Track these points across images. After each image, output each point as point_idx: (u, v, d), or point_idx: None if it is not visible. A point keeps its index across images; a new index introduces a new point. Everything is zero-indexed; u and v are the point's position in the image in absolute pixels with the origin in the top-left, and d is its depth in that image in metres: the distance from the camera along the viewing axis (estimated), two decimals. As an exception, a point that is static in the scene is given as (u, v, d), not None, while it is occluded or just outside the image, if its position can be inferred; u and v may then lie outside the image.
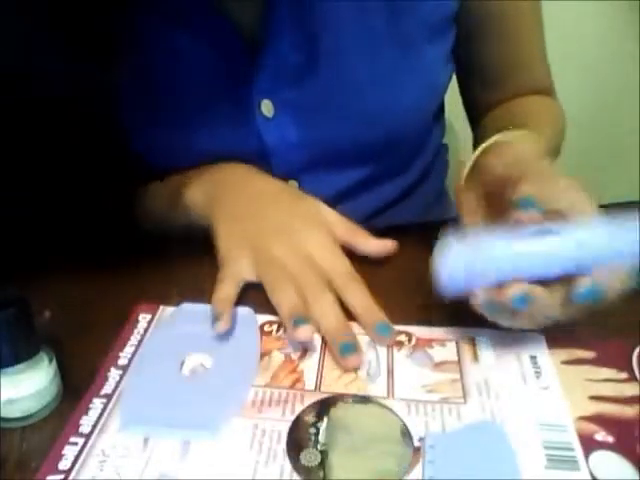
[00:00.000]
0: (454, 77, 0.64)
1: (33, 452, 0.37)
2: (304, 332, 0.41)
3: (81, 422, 0.38)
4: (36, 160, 0.54)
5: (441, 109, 0.68)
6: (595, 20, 1.37)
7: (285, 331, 0.44)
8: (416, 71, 0.54)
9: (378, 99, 0.54)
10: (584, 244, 0.37)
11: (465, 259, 0.38)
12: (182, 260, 0.51)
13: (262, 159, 0.55)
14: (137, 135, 0.55)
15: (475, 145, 0.63)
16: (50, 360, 0.39)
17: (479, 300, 0.38)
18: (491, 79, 0.63)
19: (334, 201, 0.53)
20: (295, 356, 0.42)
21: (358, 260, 0.50)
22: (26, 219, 0.53)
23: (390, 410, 0.38)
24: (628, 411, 0.38)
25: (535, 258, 0.38)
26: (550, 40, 0.64)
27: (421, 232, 0.52)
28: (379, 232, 0.52)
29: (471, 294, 0.38)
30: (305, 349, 0.43)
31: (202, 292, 0.47)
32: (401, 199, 0.65)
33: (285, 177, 0.56)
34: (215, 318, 0.43)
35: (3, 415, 0.38)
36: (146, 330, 0.45)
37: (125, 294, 0.48)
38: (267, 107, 0.54)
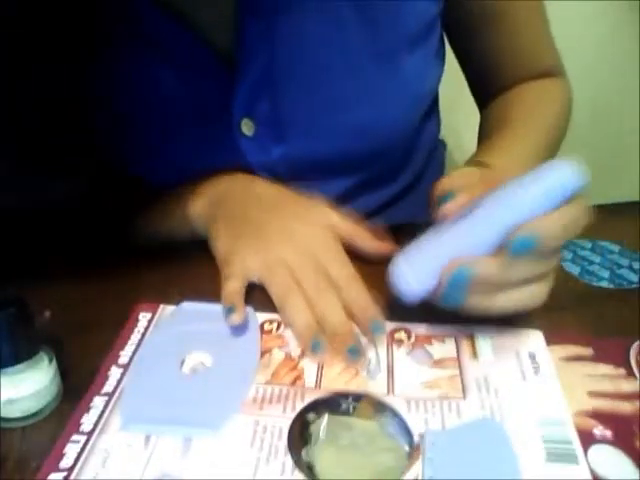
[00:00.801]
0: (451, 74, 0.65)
1: (33, 452, 0.37)
2: (322, 355, 0.42)
3: (82, 420, 0.38)
4: (34, 161, 0.54)
5: (434, 103, 0.68)
6: (595, 20, 1.36)
7: (282, 328, 0.45)
8: (399, 83, 0.54)
9: (360, 115, 0.54)
10: (502, 207, 0.38)
11: (412, 271, 0.41)
12: (182, 260, 0.51)
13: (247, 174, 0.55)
14: (127, 157, 0.56)
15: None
16: (50, 360, 0.39)
17: (437, 299, 0.40)
18: (490, 72, 0.64)
19: None
20: (295, 354, 0.43)
21: (359, 259, 0.50)
22: (27, 219, 0.53)
23: (390, 407, 0.38)
24: (626, 406, 0.38)
25: (467, 239, 0.39)
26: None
27: (420, 232, 0.52)
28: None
29: (431, 296, 0.40)
30: (305, 347, 0.43)
31: (203, 292, 0.47)
32: (394, 202, 0.64)
33: None
34: (228, 311, 0.44)
35: (3, 415, 0.38)
36: (147, 329, 0.45)
37: (125, 294, 0.48)
38: (247, 126, 0.53)
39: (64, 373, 0.40)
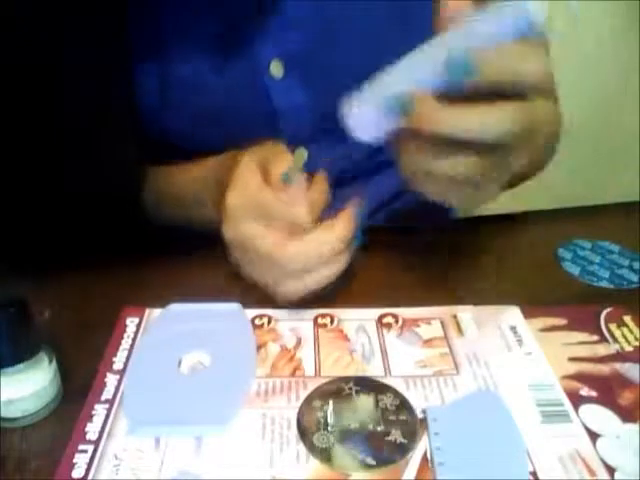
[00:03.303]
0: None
1: (33, 452, 0.36)
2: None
3: (87, 429, 0.37)
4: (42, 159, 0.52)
5: None
6: (595, 20, 1.36)
7: (273, 322, 0.45)
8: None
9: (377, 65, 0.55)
10: (456, 35, 0.37)
11: (367, 102, 0.40)
12: (182, 260, 0.51)
13: (272, 121, 0.56)
14: (150, 107, 0.54)
15: None
16: (50, 360, 0.39)
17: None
18: None
19: (345, 173, 0.54)
20: (290, 345, 0.44)
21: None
22: (26, 219, 0.51)
23: (390, 387, 0.40)
24: (604, 369, 0.42)
25: (418, 68, 0.38)
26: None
27: (418, 232, 0.55)
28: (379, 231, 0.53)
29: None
30: (299, 338, 0.44)
31: (203, 291, 0.47)
32: (398, 195, 0.65)
33: (294, 144, 0.55)
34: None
35: (3, 415, 0.38)
36: (136, 333, 0.45)
37: (125, 294, 0.48)
38: (276, 67, 0.54)
39: (64, 373, 0.40)
